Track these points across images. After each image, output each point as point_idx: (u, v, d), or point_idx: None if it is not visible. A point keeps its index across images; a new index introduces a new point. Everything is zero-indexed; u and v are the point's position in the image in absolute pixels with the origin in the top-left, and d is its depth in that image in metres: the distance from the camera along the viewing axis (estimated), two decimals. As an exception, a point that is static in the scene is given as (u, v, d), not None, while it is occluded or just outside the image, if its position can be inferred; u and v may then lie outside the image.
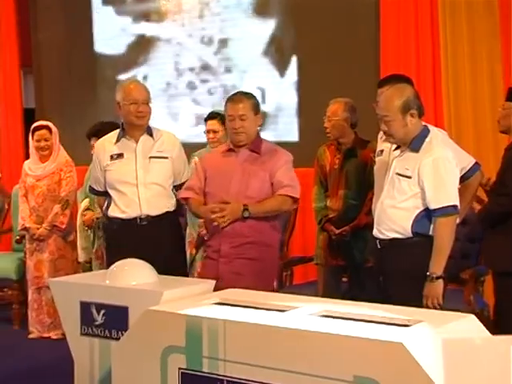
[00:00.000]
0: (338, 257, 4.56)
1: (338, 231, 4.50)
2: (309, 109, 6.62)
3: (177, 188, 4.23)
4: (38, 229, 5.42)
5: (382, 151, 3.85)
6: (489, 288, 4.44)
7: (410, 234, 3.51)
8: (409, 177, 3.50)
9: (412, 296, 3.40)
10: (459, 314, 2.88)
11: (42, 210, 5.48)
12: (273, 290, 4.17)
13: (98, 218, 4.86)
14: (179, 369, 2.80)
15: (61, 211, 5.43)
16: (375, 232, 3.64)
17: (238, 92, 4.05)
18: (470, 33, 5.46)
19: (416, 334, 2.51)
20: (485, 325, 2.77)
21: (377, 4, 5.92)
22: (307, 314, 2.81)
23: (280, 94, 6.77)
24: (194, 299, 3.13)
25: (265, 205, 3.81)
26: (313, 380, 2.51)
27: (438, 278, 3.44)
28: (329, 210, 4.60)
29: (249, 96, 3.93)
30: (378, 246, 3.62)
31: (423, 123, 3.60)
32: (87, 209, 5.10)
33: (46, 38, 8.09)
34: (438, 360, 2.43)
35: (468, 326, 2.72)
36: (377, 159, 3.91)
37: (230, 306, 3.00)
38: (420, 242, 3.50)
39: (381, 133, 3.79)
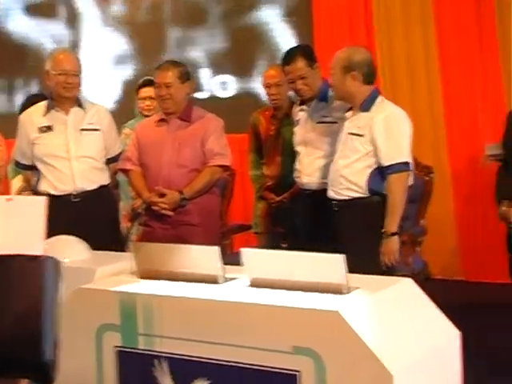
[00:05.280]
0: (277, 224, 4.52)
1: (277, 198, 4.46)
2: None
3: (108, 162, 4.12)
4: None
5: (298, 121, 3.99)
6: (426, 247, 4.50)
7: (366, 193, 3.51)
8: (361, 135, 3.50)
9: (369, 253, 3.42)
10: (396, 278, 2.88)
11: (-31, 187, 5.29)
12: None
13: None
14: (115, 347, 2.74)
15: (-9, 187, 5.25)
16: (330, 194, 3.62)
17: (166, 61, 4.04)
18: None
19: (352, 302, 2.50)
20: (423, 284, 2.78)
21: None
22: (243, 285, 2.76)
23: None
24: (128, 275, 3.05)
25: (197, 184, 3.87)
26: (252, 352, 2.48)
27: (393, 234, 3.47)
28: (266, 178, 4.55)
29: (176, 64, 3.98)
30: (335, 208, 3.61)
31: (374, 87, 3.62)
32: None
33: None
34: (374, 326, 2.42)
35: (405, 290, 2.72)
36: (295, 129, 4.02)
37: (165, 281, 2.93)
38: (377, 200, 3.51)
39: (296, 106, 4.04)
